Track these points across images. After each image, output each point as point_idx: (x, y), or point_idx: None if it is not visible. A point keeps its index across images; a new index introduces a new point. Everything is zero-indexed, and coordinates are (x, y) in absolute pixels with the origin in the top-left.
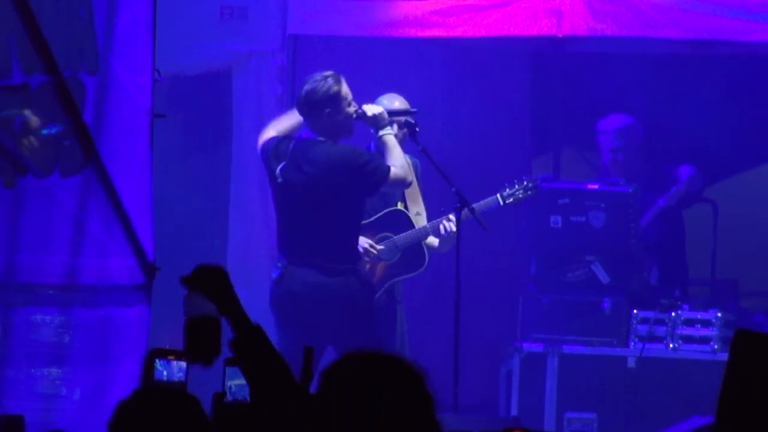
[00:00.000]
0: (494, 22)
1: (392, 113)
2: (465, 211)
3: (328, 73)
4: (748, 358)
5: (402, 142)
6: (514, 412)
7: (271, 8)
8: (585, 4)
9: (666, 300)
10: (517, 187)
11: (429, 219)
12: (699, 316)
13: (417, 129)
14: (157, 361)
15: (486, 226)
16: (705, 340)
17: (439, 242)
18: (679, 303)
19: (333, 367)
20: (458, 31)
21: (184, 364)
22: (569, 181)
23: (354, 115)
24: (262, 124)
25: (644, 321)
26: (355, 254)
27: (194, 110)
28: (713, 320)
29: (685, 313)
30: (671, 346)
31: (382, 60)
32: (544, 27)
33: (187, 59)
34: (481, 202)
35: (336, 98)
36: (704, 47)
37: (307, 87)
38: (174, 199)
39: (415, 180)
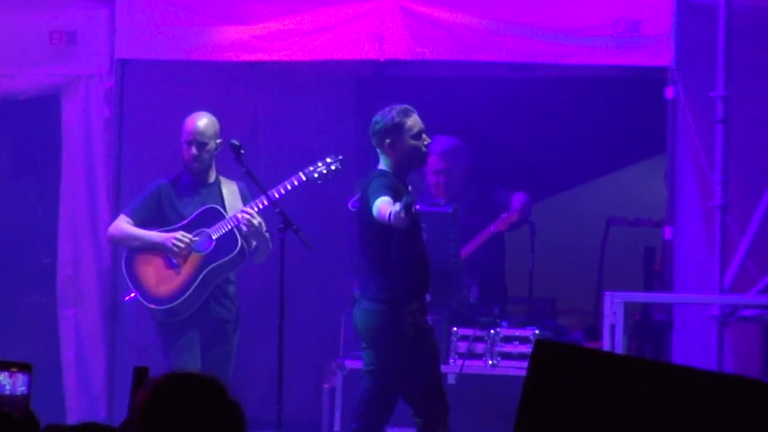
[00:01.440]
0: (318, 46)
1: None
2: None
3: (400, 106)
4: (548, 369)
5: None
6: (337, 428)
7: (100, 32)
8: (406, 28)
9: (485, 318)
10: (319, 164)
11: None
12: (517, 334)
13: (242, 151)
14: None
15: (311, 246)
16: (523, 357)
17: (256, 252)
18: (499, 321)
19: (146, 391)
20: (283, 55)
21: (27, 377)
22: None
23: (423, 149)
24: (90, 146)
25: (464, 338)
26: (379, 287)
27: (24, 133)
28: (531, 337)
29: (504, 331)
30: (490, 362)
31: (209, 84)
32: (366, 51)
33: (16, 83)
34: (286, 182)
35: (396, 129)
36: (523, 70)
37: (374, 118)
38: (4, 221)
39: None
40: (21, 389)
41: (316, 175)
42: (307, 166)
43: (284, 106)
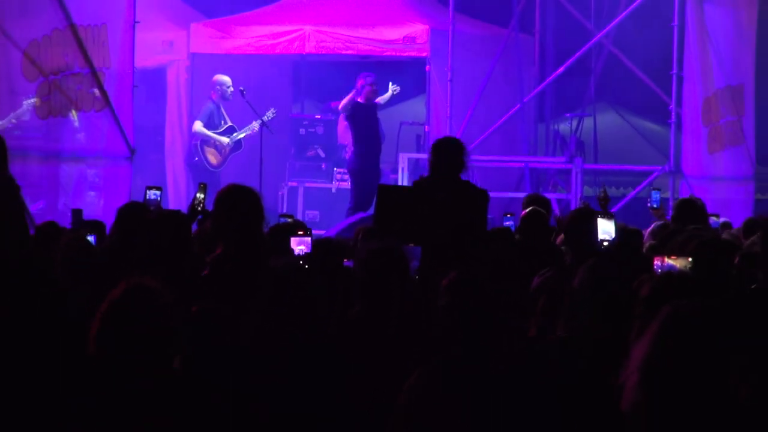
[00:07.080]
0: (278, 45)
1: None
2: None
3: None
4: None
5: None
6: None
7: (182, 40)
8: (314, 38)
9: None
10: (267, 114)
11: None
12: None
13: (244, 92)
14: (147, 191)
15: (272, 131)
16: None
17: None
18: None
19: (220, 192)
20: (264, 50)
21: (159, 192)
22: None
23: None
24: (179, 92)
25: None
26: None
27: (148, 84)
28: None
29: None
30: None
31: (245, 70)
32: (296, 48)
33: (149, 62)
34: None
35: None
36: (365, 56)
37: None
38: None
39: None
40: (155, 199)
41: (265, 118)
42: (264, 113)
43: (260, 73)
